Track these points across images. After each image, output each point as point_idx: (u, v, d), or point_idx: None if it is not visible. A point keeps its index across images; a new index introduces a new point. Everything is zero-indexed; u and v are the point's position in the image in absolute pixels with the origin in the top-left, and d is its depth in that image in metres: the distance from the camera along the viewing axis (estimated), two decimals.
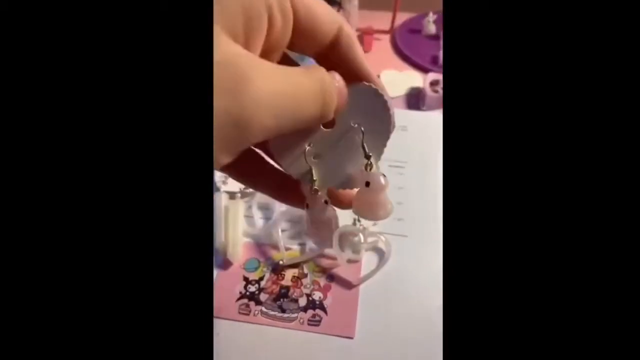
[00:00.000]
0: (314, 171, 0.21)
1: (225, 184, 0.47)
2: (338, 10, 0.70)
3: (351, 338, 0.36)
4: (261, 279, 0.41)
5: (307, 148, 0.21)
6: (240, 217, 0.45)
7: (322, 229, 0.23)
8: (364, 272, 0.41)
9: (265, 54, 0.18)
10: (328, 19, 0.19)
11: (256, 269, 0.42)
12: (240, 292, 0.40)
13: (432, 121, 0.56)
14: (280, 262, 0.42)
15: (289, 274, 0.41)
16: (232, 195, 0.47)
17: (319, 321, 0.37)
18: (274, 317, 0.38)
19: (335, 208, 0.23)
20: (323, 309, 0.38)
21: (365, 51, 0.71)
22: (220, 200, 0.45)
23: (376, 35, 0.75)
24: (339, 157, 0.21)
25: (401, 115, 0.56)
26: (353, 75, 0.20)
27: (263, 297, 0.39)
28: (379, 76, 0.22)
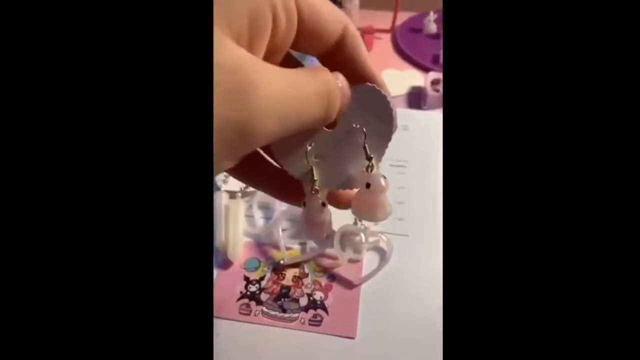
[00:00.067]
0: (315, 171, 0.21)
1: (225, 183, 0.47)
2: None
3: (352, 338, 0.36)
4: (262, 278, 0.41)
5: (309, 148, 0.21)
6: (241, 217, 0.45)
7: (314, 229, 0.23)
8: (365, 271, 0.41)
9: (269, 55, 0.18)
10: (333, 18, 0.19)
11: (257, 268, 0.41)
12: (241, 292, 0.40)
13: (433, 120, 0.56)
14: (281, 262, 0.42)
15: (290, 273, 0.41)
16: (232, 194, 0.47)
17: (320, 321, 0.37)
18: (274, 317, 0.38)
19: (335, 208, 0.23)
20: (324, 308, 0.38)
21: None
22: (221, 200, 0.45)
23: (377, 35, 0.75)
24: (340, 157, 0.21)
25: (402, 114, 0.56)
26: (357, 76, 0.20)
27: (264, 296, 0.39)
28: None
